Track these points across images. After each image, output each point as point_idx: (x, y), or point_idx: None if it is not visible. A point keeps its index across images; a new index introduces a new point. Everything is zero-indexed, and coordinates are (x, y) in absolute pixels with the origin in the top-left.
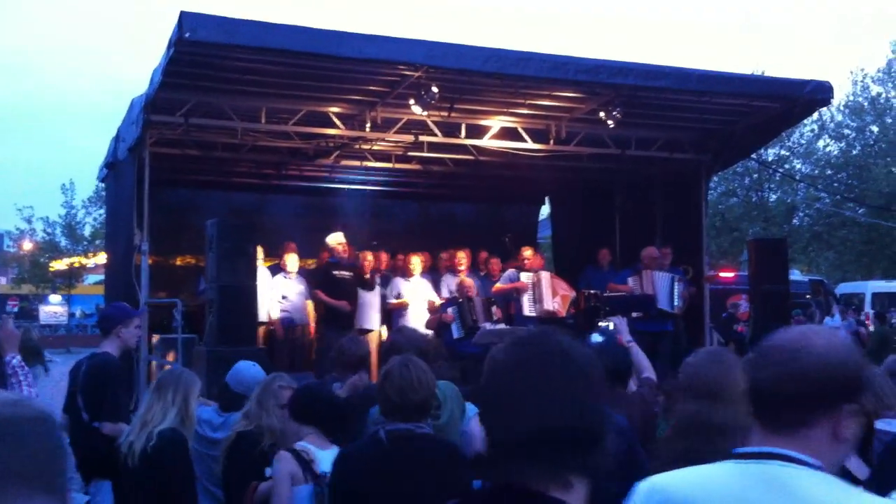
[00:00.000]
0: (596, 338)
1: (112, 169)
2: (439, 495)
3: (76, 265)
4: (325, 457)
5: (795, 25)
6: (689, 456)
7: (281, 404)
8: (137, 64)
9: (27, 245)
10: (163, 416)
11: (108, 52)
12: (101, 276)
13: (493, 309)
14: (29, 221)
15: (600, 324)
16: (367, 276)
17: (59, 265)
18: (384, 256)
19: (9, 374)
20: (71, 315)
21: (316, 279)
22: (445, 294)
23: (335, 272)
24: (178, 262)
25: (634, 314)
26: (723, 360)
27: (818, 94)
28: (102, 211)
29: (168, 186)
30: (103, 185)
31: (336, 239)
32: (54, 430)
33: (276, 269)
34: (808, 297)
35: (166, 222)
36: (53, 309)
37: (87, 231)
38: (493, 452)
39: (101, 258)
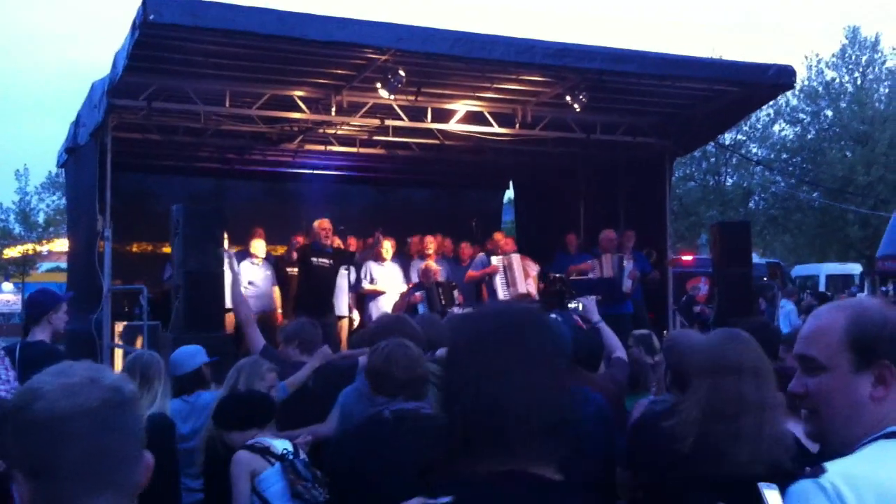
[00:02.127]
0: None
1: (72, 154)
2: None
3: (30, 252)
4: (278, 444)
5: (795, 24)
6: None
7: (268, 386)
8: (94, 47)
9: None
10: (150, 403)
11: (65, 35)
12: (56, 264)
13: (455, 293)
14: None
15: (570, 305)
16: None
17: (13, 252)
18: (352, 241)
19: None
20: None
21: (292, 263)
22: (415, 279)
23: (313, 258)
24: (135, 249)
25: (593, 297)
26: (741, 339)
27: (781, 78)
28: (56, 197)
29: (126, 171)
30: (61, 170)
31: (322, 224)
32: (114, 418)
33: (241, 256)
34: (765, 279)
35: (123, 208)
36: (6, 297)
37: (40, 218)
38: (465, 441)
39: (56, 245)
